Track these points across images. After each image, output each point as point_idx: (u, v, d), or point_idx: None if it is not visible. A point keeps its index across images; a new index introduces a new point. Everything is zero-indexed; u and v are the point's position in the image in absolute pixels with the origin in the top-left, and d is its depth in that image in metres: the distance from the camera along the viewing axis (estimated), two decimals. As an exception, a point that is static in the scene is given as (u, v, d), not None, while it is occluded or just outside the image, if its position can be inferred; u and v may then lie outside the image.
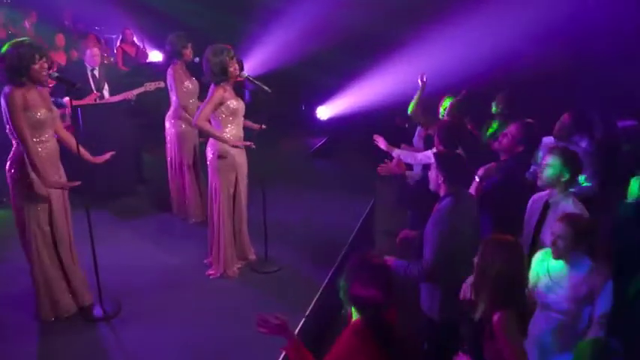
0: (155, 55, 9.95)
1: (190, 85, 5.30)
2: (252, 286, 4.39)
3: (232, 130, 4.33)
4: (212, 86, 4.27)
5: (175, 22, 8.62)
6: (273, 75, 9.13)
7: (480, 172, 3.80)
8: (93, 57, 6.25)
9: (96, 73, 6.35)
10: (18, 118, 3.39)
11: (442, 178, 3.26)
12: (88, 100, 6.23)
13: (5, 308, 4.00)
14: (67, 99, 6.16)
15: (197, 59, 5.33)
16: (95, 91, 6.30)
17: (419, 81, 5.22)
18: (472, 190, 3.74)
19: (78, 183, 3.65)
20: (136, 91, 6.16)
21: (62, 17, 9.48)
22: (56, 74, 3.49)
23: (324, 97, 8.77)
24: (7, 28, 8.12)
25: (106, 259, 4.54)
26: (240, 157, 4.43)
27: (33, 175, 3.53)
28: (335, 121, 8.76)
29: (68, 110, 6.03)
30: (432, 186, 3.36)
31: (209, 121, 4.28)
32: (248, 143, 4.32)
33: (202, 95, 5.77)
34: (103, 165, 6.02)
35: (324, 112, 8.89)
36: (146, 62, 9.01)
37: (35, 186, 3.57)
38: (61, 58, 7.68)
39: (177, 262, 4.71)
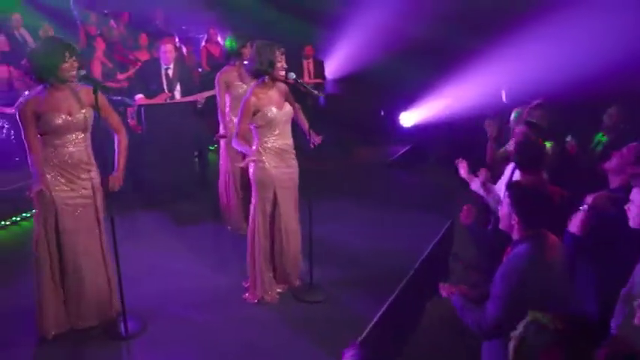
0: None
1: (241, 89, 4.88)
2: (288, 317, 3.89)
3: (276, 142, 3.87)
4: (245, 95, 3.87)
5: (258, 23, 8.48)
6: (351, 78, 8.69)
7: (589, 200, 2.99)
8: (166, 54, 6.14)
9: (169, 72, 6.23)
10: (26, 129, 3.26)
11: (516, 218, 2.54)
12: (158, 100, 6.13)
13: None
14: (139, 96, 6.11)
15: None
16: (167, 91, 6.18)
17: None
18: (575, 224, 2.95)
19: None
20: (206, 94, 5.97)
21: (154, 17, 9.64)
22: (83, 72, 3.22)
23: (407, 102, 8.08)
24: (100, 27, 8.36)
25: (142, 269, 4.38)
26: (279, 171, 3.92)
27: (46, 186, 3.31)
28: (419, 129, 8.03)
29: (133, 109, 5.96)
30: (502, 225, 2.64)
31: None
32: (253, 158, 3.78)
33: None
34: (165, 168, 6.03)
35: (408, 118, 8.19)
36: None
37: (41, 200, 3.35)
38: (144, 57, 7.74)
39: (215, 280, 4.35)
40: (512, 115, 4.63)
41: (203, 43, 8.94)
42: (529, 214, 2.52)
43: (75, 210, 3.46)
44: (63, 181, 3.39)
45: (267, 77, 3.80)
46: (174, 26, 9.49)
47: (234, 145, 3.84)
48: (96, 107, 3.21)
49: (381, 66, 7.63)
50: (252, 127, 3.87)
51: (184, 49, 8.18)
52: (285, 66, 3.83)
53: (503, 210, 2.62)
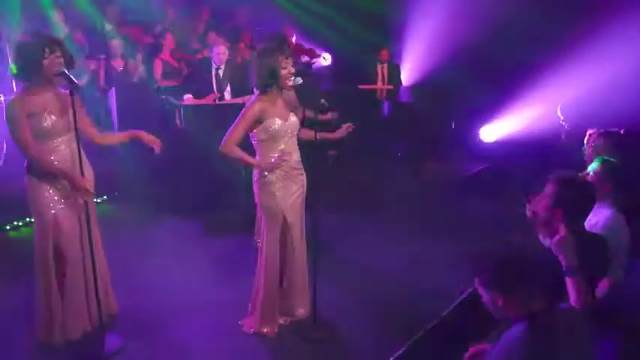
0: (326, 59, 9.53)
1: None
2: (285, 353, 3.44)
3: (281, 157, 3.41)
4: (252, 97, 3.43)
5: (332, 25, 8.13)
6: (424, 86, 7.98)
7: None
8: (218, 55, 5.97)
9: (220, 72, 6.02)
10: (22, 126, 3.05)
11: (501, 299, 1.91)
12: (206, 100, 5.95)
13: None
14: (188, 96, 5.96)
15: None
16: (216, 92, 5.98)
17: None
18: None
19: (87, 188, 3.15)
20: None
21: (235, 16, 9.58)
22: (61, 69, 2.98)
23: (483, 114, 7.21)
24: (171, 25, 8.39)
25: (143, 279, 4.30)
26: (287, 192, 3.45)
27: (38, 191, 3.14)
28: (499, 146, 7.13)
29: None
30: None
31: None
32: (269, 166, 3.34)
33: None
34: (209, 175, 5.81)
35: (489, 133, 7.31)
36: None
37: (40, 202, 3.16)
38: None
39: (218, 298, 4.00)
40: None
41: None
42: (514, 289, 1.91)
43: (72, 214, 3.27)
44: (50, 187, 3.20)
45: (273, 88, 3.35)
46: (250, 26, 9.38)
47: (230, 151, 3.32)
48: (72, 108, 2.95)
49: (454, 74, 6.92)
50: (253, 141, 3.44)
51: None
52: (292, 71, 3.35)
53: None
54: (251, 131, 3.37)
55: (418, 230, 5.26)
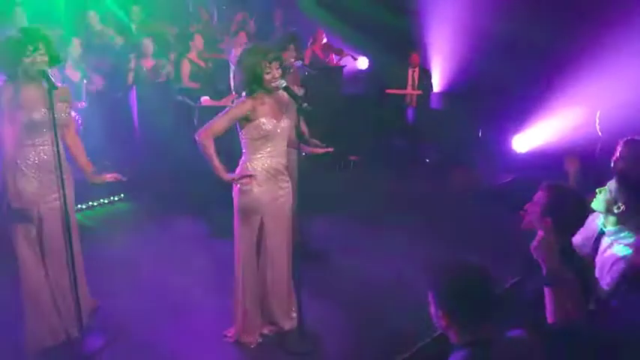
0: (362, 62, 9.38)
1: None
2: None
3: (265, 160, 3.29)
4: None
5: (366, 29, 7.96)
6: (453, 92, 7.67)
7: None
8: (235, 57, 5.92)
9: (238, 73, 5.97)
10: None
11: (444, 320, 1.74)
12: (224, 102, 5.93)
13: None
14: (205, 98, 5.96)
15: (299, 62, 4.44)
16: (234, 93, 5.95)
17: None
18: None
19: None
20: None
21: (274, 18, 9.58)
22: (42, 68, 2.97)
23: (513, 121, 6.82)
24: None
25: (149, 279, 4.31)
26: (268, 196, 3.33)
27: (21, 186, 3.12)
28: (533, 156, 6.73)
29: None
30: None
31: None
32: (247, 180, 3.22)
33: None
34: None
35: (522, 142, 6.91)
36: (331, 65, 8.40)
37: (23, 199, 3.15)
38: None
39: (215, 302, 3.91)
40: None
41: (309, 45, 8.61)
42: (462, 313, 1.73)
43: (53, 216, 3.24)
44: (36, 184, 3.18)
45: (258, 92, 3.23)
46: (285, 28, 9.35)
47: (204, 141, 3.17)
48: (50, 107, 2.93)
49: (486, 81, 6.61)
50: (242, 140, 3.34)
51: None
52: (276, 76, 3.21)
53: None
54: (242, 129, 3.26)
55: (432, 240, 5.00)
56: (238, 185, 3.29)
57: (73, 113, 5.64)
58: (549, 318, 2.06)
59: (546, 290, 2.10)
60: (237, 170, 3.32)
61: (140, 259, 4.61)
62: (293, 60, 4.35)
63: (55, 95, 2.96)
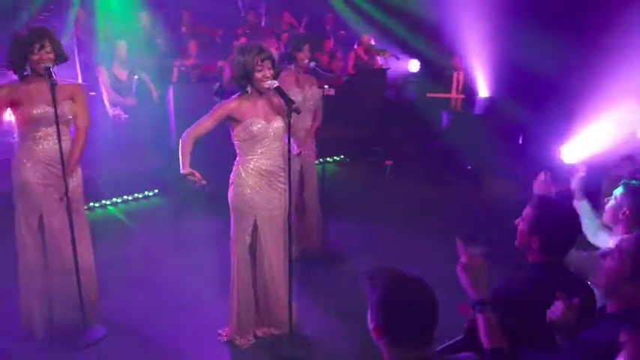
0: (413, 65, 9.20)
1: (300, 95, 4.28)
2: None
3: (256, 162, 3.25)
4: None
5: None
6: (498, 96, 7.29)
7: None
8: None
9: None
10: None
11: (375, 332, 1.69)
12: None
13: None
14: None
15: (312, 64, 4.37)
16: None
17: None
18: None
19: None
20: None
21: (324, 22, 9.58)
22: (47, 65, 3.08)
23: (571, 133, 6.36)
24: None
25: (163, 276, 4.34)
26: (262, 197, 3.27)
27: (25, 177, 3.26)
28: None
29: None
30: None
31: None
32: (200, 181, 3.14)
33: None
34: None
35: (571, 153, 6.44)
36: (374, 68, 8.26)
37: (26, 189, 3.29)
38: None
39: (209, 303, 3.91)
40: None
41: (355, 47, 8.51)
42: None
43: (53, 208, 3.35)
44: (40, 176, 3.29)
45: (249, 89, 3.19)
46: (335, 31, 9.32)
47: (182, 137, 3.17)
48: (52, 104, 3.04)
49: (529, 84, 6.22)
50: (234, 141, 3.32)
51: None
52: (267, 75, 3.15)
53: None
54: (232, 130, 3.25)
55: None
56: (231, 186, 3.30)
57: (113, 110, 6.05)
58: (484, 343, 1.86)
59: (478, 316, 1.90)
60: (232, 173, 3.33)
61: (155, 255, 4.69)
62: (307, 61, 4.29)
63: (57, 92, 3.06)
